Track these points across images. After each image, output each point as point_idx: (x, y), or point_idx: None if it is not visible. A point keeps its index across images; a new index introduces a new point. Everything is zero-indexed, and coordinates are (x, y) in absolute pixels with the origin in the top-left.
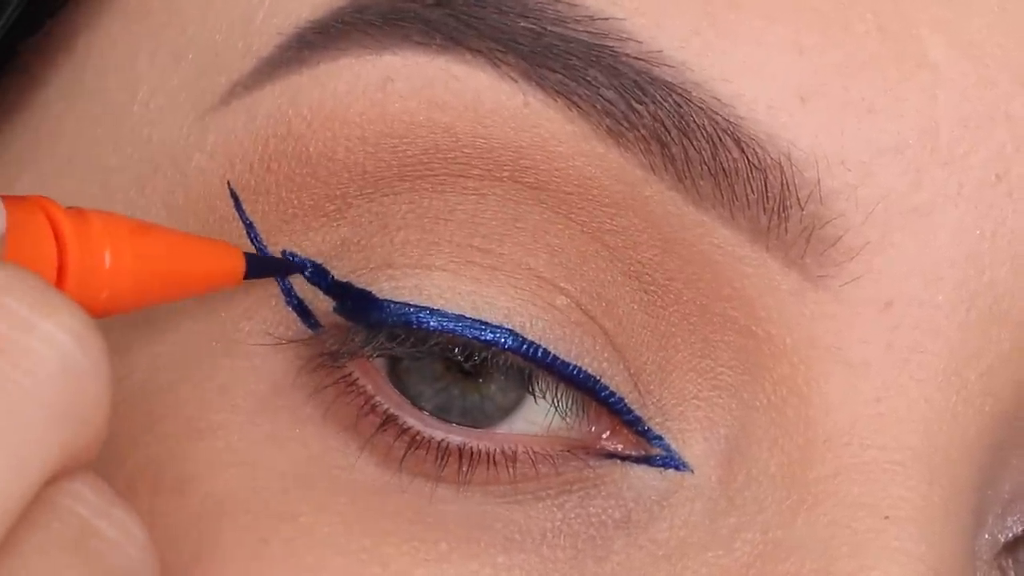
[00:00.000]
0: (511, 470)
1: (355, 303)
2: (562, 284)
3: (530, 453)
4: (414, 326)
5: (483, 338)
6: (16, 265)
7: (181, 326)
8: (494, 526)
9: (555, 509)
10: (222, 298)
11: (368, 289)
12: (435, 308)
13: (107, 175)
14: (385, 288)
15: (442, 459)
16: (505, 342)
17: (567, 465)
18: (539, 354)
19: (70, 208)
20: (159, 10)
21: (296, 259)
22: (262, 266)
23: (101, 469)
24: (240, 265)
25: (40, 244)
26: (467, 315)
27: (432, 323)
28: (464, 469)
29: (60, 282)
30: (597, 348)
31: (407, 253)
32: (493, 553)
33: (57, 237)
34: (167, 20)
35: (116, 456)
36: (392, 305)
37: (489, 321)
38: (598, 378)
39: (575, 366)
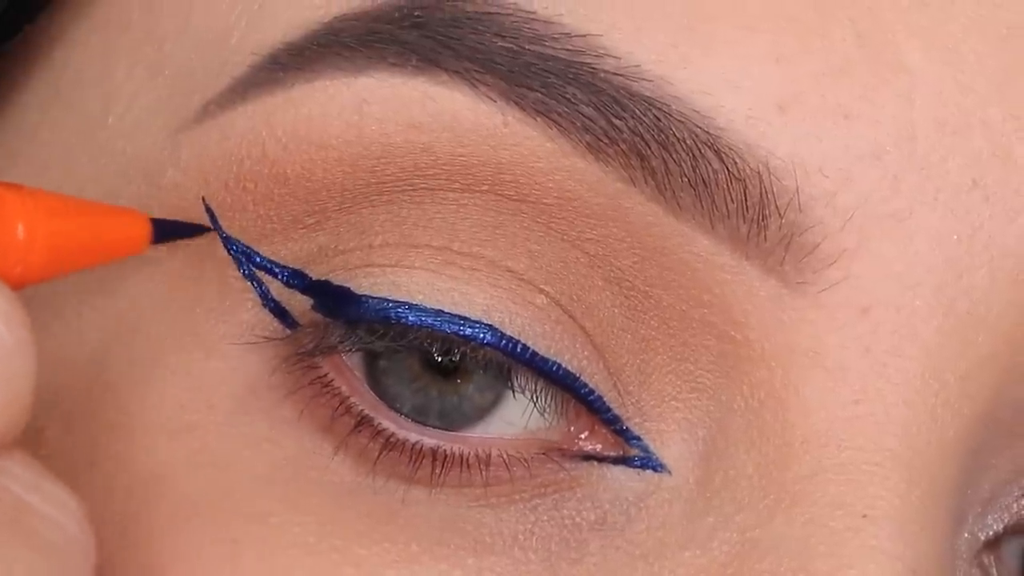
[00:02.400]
0: (484, 473)
1: (333, 300)
2: (542, 286)
3: (504, 456)
4: (392, 321)
5: (462, 333)
6: None
7: (156, 326)
8: (465, 528)
9: (528, 512)
10: (199, 300)
11: (346, 286)
12: (414, 303)
13: (82, 184)
14: (364, 284)
15: (416, 461)
16: (484, 337)
17: (542, 468)
18: (518, 350)
19: None
20: (138, 25)
21: (273, 266)
22: (169, 230)
23: (73, 468)
24: (146, 230)
25: None
26: (446, 310)
27: (411, 318)
28: (437, 471)
29: None
30: (577, 346)
31: (386, 255)
32: (463, 555)
33: None
34: (145, 36)
35: (90, 456)
36: (371, 300)
37: (468, 316)
38: (577, 375)
39: (554, 362)
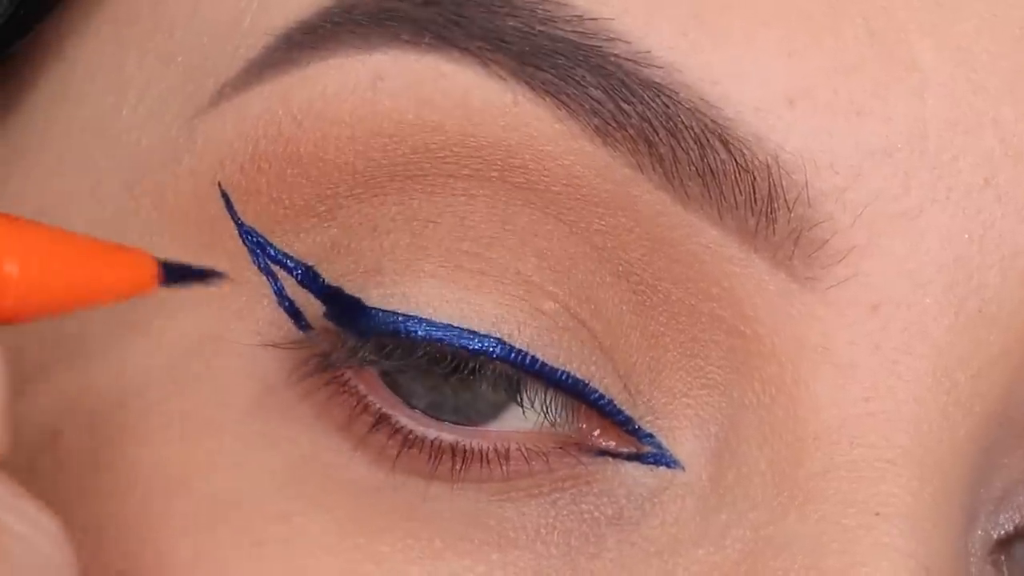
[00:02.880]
0: (504, 468)
1: (345, 309)
2: (550, 288)
3: (523, 450)
4: (402, 335)
5: (471, 347)
6: None
7: (171, 326)
8: (488, 523)
9: (548, 506)
10: (214, 299)
11: (357, 296)
12: (423, 317)
13: (96, 178)
14: (374, 295)
15: (435, 458)
16: (493, 351)
17: (560, 462)
18: (527, 361)
19: None
20: (147, 15)
21: (287, 259)
22: (181, 273)
23: (92, 470)
24: (153, 273)
25: None
26: (455, 324)
27: (420, 332)
28: (458, 467)
29: None
30: (585, 352)
31: (396, 257)
32: (487, 550)
33: None
34: (155, 25)
35: (109, 458)
36: (380, 313)
37: (477, 330)
38: (587, 382)
39: (563, 371)
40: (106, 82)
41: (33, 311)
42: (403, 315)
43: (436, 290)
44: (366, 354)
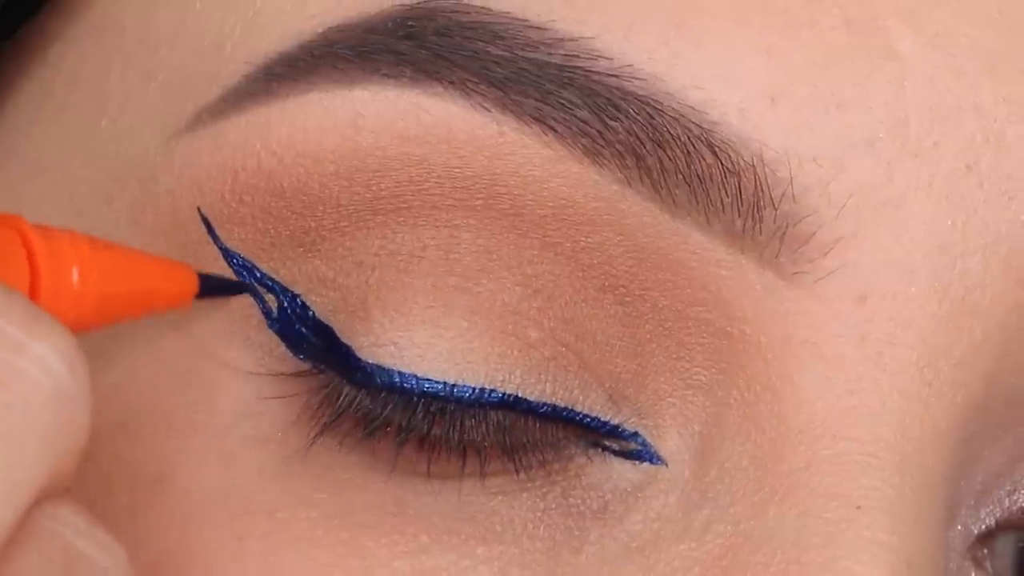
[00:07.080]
0: (495, 462)
1: (332, 348)
2: (535, 316)
3: (517, 444)
4: (396, 389)
5: (465, 399)
6: (3, 284)
7: (161, 327)
8: (476, 517)
9: (537, 500)
10: (204, 316)
11: (348, 344)
12: (417, 375)
13: (75, 185)
14: (364, 343)
15: (424, 451)
16: (487, 400)
17: (550, 455)
18: (515, 402)
19: (36, 224)
20: (132, 28)
21: (274, 284)
22: (215, 286)
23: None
24: (193, 285)
25: (13, 262)
26: (450, 380)
27: (415, 387)
28: (445, 461)
29: (34, 301)
30: (570, 377)
31: (383, 296)
32: (473, 545)
33: (29, 255)
34: (140, 39)
35: (94, 450)
36: (374, 368)
37: (471, 383)
38: (571, 407)
39: (547, 405)
40: (88, 91)
41: (89, 323)
42: (398, 372)
43: (428, 339)
44: (359, 404)
